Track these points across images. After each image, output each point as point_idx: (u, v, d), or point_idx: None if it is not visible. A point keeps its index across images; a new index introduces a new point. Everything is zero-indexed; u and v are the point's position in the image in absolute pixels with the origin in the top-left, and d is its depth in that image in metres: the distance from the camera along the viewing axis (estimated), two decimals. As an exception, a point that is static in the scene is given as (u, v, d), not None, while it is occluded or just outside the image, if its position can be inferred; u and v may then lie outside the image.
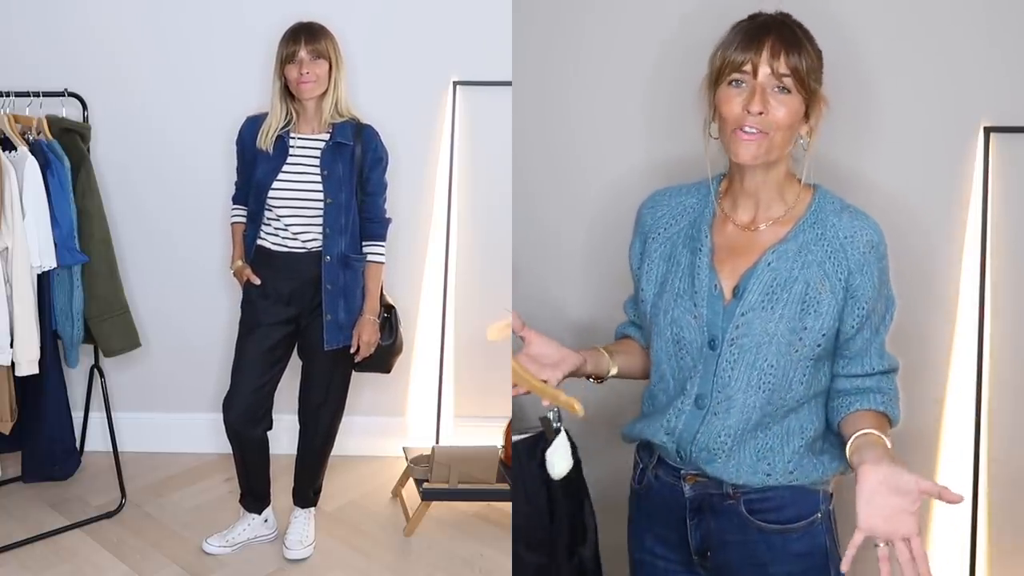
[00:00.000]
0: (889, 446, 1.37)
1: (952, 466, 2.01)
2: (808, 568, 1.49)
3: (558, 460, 1.52)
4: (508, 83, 2.21)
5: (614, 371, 1.60)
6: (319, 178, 2.35)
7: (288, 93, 2.36)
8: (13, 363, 2.42)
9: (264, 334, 2.42)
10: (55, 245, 2.46)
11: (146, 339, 2.81)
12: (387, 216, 2.49)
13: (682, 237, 1.55)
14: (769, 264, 1.45)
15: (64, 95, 2.68)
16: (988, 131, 1.90)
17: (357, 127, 2.39)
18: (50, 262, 2.45)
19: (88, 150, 2.61)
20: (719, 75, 1.44)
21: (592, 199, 2.19)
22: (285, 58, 2.31)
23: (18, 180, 2.39)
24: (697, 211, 1.55)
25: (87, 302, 2.58)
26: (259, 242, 2.41)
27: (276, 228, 2.39)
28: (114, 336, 2.65)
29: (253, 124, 2.41)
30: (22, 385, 2.51)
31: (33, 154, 2.43)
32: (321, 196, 2.34)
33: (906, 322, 1.92)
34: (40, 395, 2.59)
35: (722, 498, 1.49)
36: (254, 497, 2.61)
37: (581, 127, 2.17)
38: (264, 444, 2.53)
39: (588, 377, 1.59)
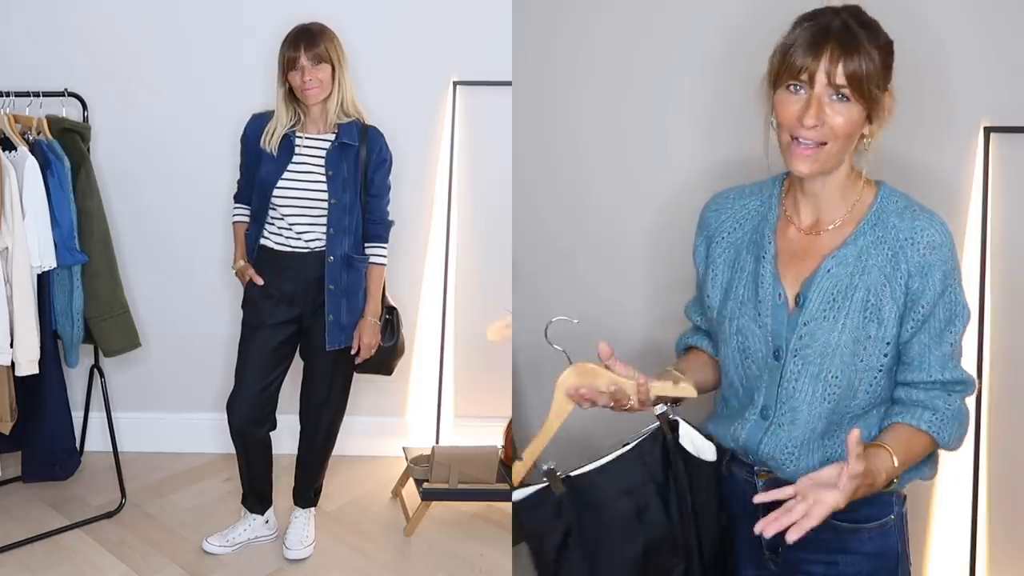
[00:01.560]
0: (895, 464, 1.34)
1: (952, 466, 2.01)
2: (879, 569, 1.47)
3: (701, 443, 1.48)
4: (508, 83, 2.21)
5: (694, 394, 1.51)
6: (324, 178, 2.34)
7: (293, 96, 2.36)
8: (13, 363, 2.42)
9: (267, 335, 2.42)
10: (55, 245, 2.45)
11: (146, 339, 2.81)
12: (390, 218, 2.49)
13: (746, 242, 1.51)
14: (829, 271, 1.41)
15: (64, 95, 2.68)
16: (988, 131, 1.90)
17: (363, 128, 2.39)
18: (50, 262, 2.45)
19: (88, 150, 2.61)
20: (777, 77, 1.39)
21: (592, 199, 2.19)
22: (287, 64, 2.31)
23: (18, 180, 2.39)
24: (760, 214, 1.52)
25: (87, 302, 2.58)
26: (262, 241, 2.41)
27: (280, 227, 2.38)
28: (114, 336, 2.65)
29: (258, 122, 2.40)
30: (22, 385, 2.51)
31: (33, 154, 2.43)
32: (325, 196, 2.34)
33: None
34: (40, 395, 2.59)
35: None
36: (257, 498, 2.61)
37: (581, 127, 2.17)
38: (267, 444, 2.53)
39: (667, 403, 1.54)
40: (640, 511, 1.48)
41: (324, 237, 2.36)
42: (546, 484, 1.48)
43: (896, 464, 1.35)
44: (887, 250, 1.39)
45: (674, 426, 1.47)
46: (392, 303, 2.54)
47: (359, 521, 2.80)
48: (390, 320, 2.51)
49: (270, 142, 2.35)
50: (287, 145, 2.36)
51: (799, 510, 1.25)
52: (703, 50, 2.04)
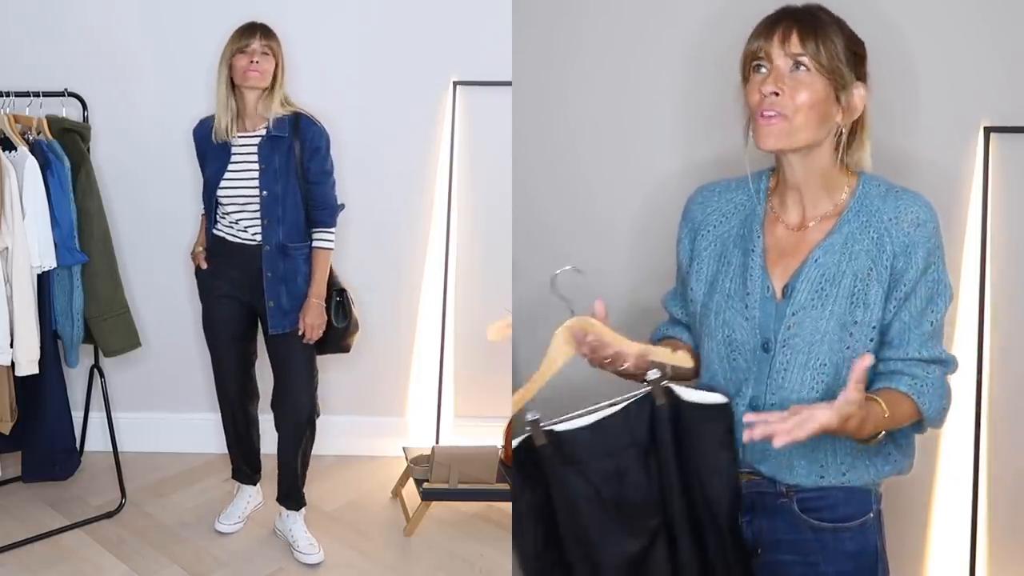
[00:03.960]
0: (885, 414, 1.34)
1: (952, 466, 2.01)
2: (859, 568, 1.47)
3: (705, 394, 1.45)
4: (508, 83, 2.21)
5: (690, 363, 1.51)
6: (257, 172, 2.40)
7: (232, 89, 2.40)
8: (13, 363, 2.42)
9: (221, 312, 2.52)
10: (55, 245, 2.46)
11: (146, 339, 2.81)
12: (336, 203, 2.50)
13: (733, 236, 1.53)
14: (816, 260, 1.43)
15: (64, 95, 2.68)
16: (988, 131, 1.90)
17: (294, 118, 2.42)
18: (50, 262, 2.45)
19: (88, 150, 2.61)
20: (744, 70, 1.43)
21: (592, 199, 2.19)
22: (237, 49, 2.36)
23: (18, 180, 2.39)
24: (748, 209, 1.53)
25: (87, 302, 2.58)
26: (215, 232, 2.50)
27: (229, 222, 2.46)
28: (114, 336, 2.65)
29: (203, 125, 2.49)
30: (22, 385, 2.51)
31: (33, 154, 2.43)
32: (258, 189, 2.39)
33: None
34: (40, 395, 2.59)
35: (775, 496, 1.48)
36: (250, 469, 2.73)
37: (581, 127, 2.17)
38: (256, 419, 2.67)
39: (639, 379, 1.53)
40: (620, 473, 1.48)
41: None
42: (528, 434, 1.47)
43: (886, 414, 1.35)
44: (872, 233, 1.41)
45: (667, 391, 1.45)
46: (342, 285, 2.56)
47: (359, 521, 2.80)
48: (341, 302, 2.54)
49: (226, 132, 2.40)
50: (224, 146, 2.42)
51: (792, 421, 1.24)
52: (703, 49, 2.04)
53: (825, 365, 1.40)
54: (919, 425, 1.45)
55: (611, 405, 1.48)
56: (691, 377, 1.61)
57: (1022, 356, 1.97)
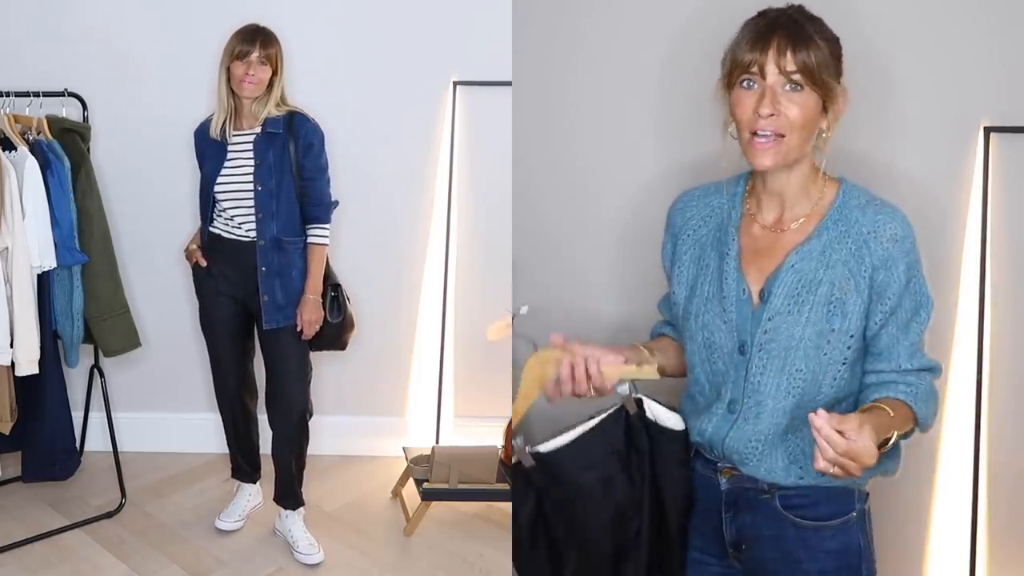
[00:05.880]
0: (891, 414, 1.35)
1: (952, 466, 2.01)
2: (841, 566, 1.47)
3: (667, 414, 1.53)
4: (508, 83, 2.22)
5: (656, 376, 1.53)
6: (252, 167, 2.42)
7: (229, 88, 2.43)
8: (13, 363, 2.42)
9: (218, 311, 2.54)
10: (55, 245, 2.46)
11: (146, 339, 2.81)
12: (331, 199, 2.52)
13: (710, 239, 1.53)
14: (793, 266, 1.43)
15: (64, 95, 2.69)
16: (988, 131, 1.90)
17: (288, 116, 2.45)
18: (50, 262, 2.45)
19: (88, 150, 2.61)
20: (731, 76, 1.42)
21: (592, 199, 2.19)
22: (236, 54, 2.38)
23: (18, 180, 2.39)
24: (724, 212, 1.54)
25: (87, 302, 2.58)
26: (211, 229, 2.52)
27: (225, 219, 2.48)
28: (114, 336, 2.65)
29: (203, 126, 2.52)
30: (22, 385, 2.52)
31: (33, 154, 2.44)
32: (252, 184, 2.42)
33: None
34: (40, 395, 2.59)
35: (757, 493, 1.48)
36: (250, 467, 2.73)
37: (581, 127, 2.17)
38: (255, 416, 2.67)
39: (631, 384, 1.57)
40: (605, 483, 1.54)
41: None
42: (517, 459, 1.55)
43: (892, 414, 1.36)
44: (851, 244, 1.42)
45: (638, 403, 1.52)
46: (337, 280, 2.57)
47: (359, 521, 2.80)
48: (336, 297, 2.54)
49: (218, 132, 2.44)
50: (222, 145, 2.45)
51: (845, 464, 1.21)
52: (710, 46, 2.04)
53: (801, 371, 1.41)
54: (910, 431, 1.46)
55: (590, 419, 1.56)
56: (679, 375, 1.64)
57: (1022, 356, 1.97)
